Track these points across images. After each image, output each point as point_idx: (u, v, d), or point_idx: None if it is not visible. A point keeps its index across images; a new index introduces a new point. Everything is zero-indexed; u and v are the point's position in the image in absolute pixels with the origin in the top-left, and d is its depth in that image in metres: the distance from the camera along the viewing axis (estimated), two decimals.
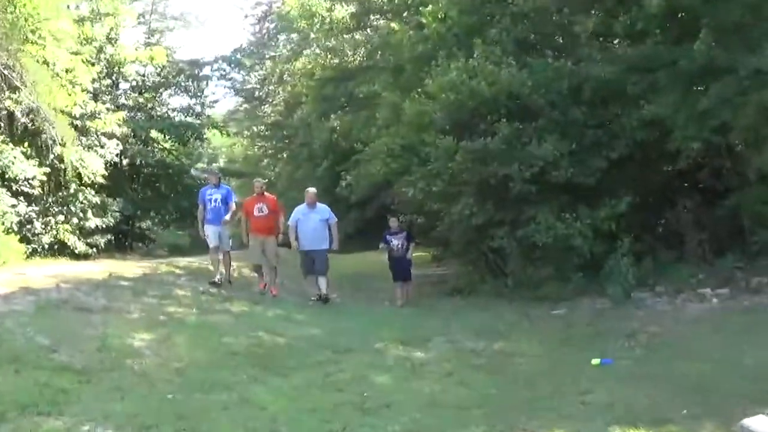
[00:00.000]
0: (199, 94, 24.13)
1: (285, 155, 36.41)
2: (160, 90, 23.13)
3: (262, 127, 37.23)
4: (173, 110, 23.26)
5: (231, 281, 11.30)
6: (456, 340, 8.53)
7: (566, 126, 11.39)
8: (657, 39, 10.83)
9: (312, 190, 11.29)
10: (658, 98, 10.65)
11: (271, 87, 37.30)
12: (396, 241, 11.81)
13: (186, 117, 23.14)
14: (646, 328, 8.47)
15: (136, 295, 9.59)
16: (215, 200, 11.05)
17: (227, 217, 10.98)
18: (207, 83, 24.96)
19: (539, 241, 10.72)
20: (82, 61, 16.59)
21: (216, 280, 10.87)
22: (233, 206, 11.20)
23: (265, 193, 11.36)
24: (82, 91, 16.66)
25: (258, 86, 37.07)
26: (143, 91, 22.16)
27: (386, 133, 13.22)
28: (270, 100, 37.56)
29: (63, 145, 15.58)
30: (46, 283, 9.50)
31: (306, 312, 10.07)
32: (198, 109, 23.88)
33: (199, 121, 23.17)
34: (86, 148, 17.48)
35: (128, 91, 21.68)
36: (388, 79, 15.60)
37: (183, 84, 23.61)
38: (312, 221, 10.94)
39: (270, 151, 37.67)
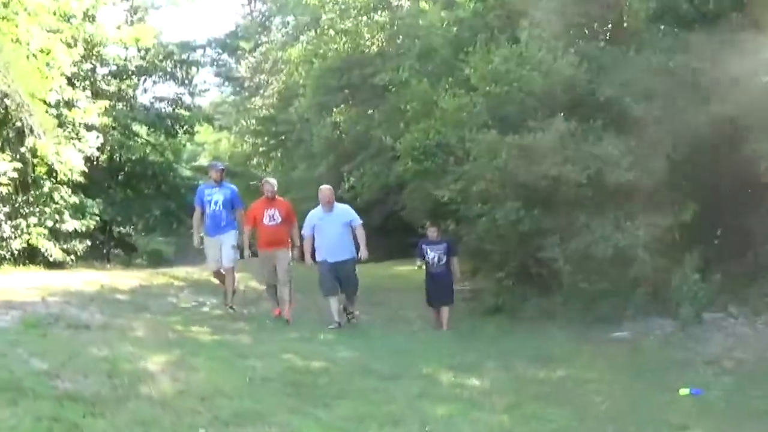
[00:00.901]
0: (188, 81, 23.82)
1: (278, 153, 36.17)
2: (144, 76, 22.81)
3: (253, 121, 36.95)
4: (159, 100, 22.97)
5: (233, 307, 10.35)
6: (510, 366, 8.30)
7: (624, 122, 11.16)
8: (733, 22, 10.61)
9: (327, 187, 10.47)
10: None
11: (263, 76, 37.14)
12: (432, 253, 10.78)
13: (174, 108, 22.75)
14: (730, 354, 8.26)
15: (136, 311, 9.51)
16: (216, 203, 10.06)
17: (246, 232, 10.37)
18: (198, 69, 24.63)
19: (598, 254, 10.46)
20: (61, 41, 16.29)
21: (228, 306, 10.38)
22: (241, 212, 10.40)
23: (277, 197, 10.46)
24: (61, 75, 16.34)
25: (248, 75, 36.81)
26: (125, 77, 21.85)
27: (417, 128, 12.97)
28: (262, 91, 37.35)
29: (39, 137, 15.26)
30: (28, 296, 9.36)
31: (331, 332, 9.83)
32: (187, 99, 23.57)
33: (189, 113, 22.79)
34: (63, 141, 17.09)
35: (108, 77, 21.31)
36: (415, 65, 15.32)
37: (170, 70, 23.27)
38: (332, 226, 10.14)
39: (261, 149, 37.29)
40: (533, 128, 11.11)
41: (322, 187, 10.54)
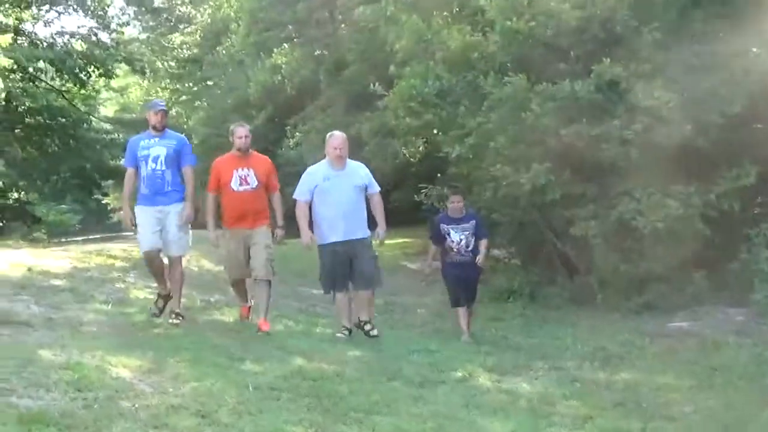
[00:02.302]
0: (101, 11, 22.79)
1: (204, 102, 35.37)
2: (46, 4, 21.75)
3: (172, 64, 36.02)
4: (66, 34, 21.91)
5: (181, 314, 8.57)
6: (561, 366, 8.11)
7: (673, 68, 10.91)
8: None
9: (341, 135, 8.65)
10: None
11: (183, 8, 36.16)
12: (458, 235, 9.24)
13: (87, 45, 21.81)
14: None
15: (81, 300, 9.20)
16: (156, 159, 8.29)
17: (186, 208, 8.37)
18: None
19: (644, 226, 10.23)
20: None
21: (155, 310, 8.64)
22: (190, 174, 8.47)
23: (253, 151, 8.72)
24: None
25: (165, 5, 35.69)
26: (23, 3, 20.74)
27: (411, 73, 12.51)
28: (183, 27, 36.38)
29: None
30: None
31: (327, 325, 9.47)
32: (103, 35, 22.59)
33: (105, 51, 21.84)
34: None
35: (5, 6, 20.18)
36: None
37: None
38: (343, 190, 8.41)
39: (182, 97, 36.49)
40: (564, 73, 10.80)
41: (333, 133, 8.67)
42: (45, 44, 21.16)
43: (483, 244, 9.35)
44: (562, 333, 9.68)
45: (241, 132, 8.54)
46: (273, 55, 28.66)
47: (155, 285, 9.29)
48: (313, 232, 8.48)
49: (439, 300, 12.37)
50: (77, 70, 21.12)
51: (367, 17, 16.98)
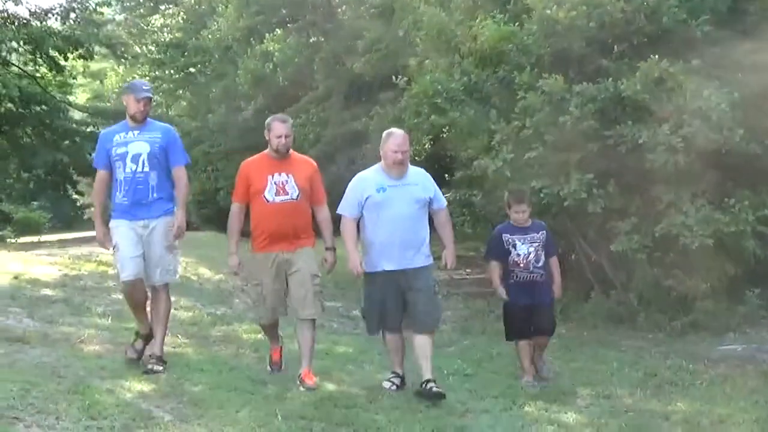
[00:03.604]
0: None
1: (187, 92, 35.25)
2: None
3: (152, 48, 35.82)
4: (41, 13, 21.64)
5: (164, 359, 7.35)
6: (611, 393, 8.02)
7: (723, 67, 10.85)
8: None
9: (401, 134, 7.44)
10: None
11: None
12: (525, 248, 7.93)
13: (64, 24, 21.61)
14: None
15: (77, 313, 9.30)
16: (136, 159, 7.15)
17: (178, 221, 7.27)
18: None
19: (692, 242, 10.15)
20: None
21: (132, 353, 7.45)
22: (183, 176, 7.43)
23: (294, 153, 7.55)
24: None
25: None
26: None
27: (435, 67, 12.42)
28: (163, 8, 36.24)
29: None
30: None
31: (350, 344, 9.43)
32: (79, 13, 22.33)
33: (86, 32, 21.64)
34: None
35: None
36: None
37: None
38: (402, 205, 7.26)
39: (164, 85, 36.25)
40: (607, 70, 10.73)
41: (391, 131, 7.47)
42: (18, 23, 20.85)
43: (555, 264, 8.18)
44: (605, 356, 9.60)
45: (280, 129, 7.25)
46: (264, 41, 28.46)
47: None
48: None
49: (461, 315, 12.37)
50: (56, 52, 20.89)
51: (377, 3, 16.60)
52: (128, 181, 7.12)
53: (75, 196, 29.39)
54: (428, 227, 7.44)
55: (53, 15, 22.24)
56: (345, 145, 23.92)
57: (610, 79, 10.50)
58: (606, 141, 10.52)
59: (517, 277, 7.93)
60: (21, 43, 20.73)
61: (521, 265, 7.89)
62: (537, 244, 7.93)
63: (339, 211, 7.45)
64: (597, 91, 10.50)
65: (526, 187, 8.77)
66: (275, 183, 7.24)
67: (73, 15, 22.53)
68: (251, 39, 30.19)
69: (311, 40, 29.36)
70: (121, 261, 7.07)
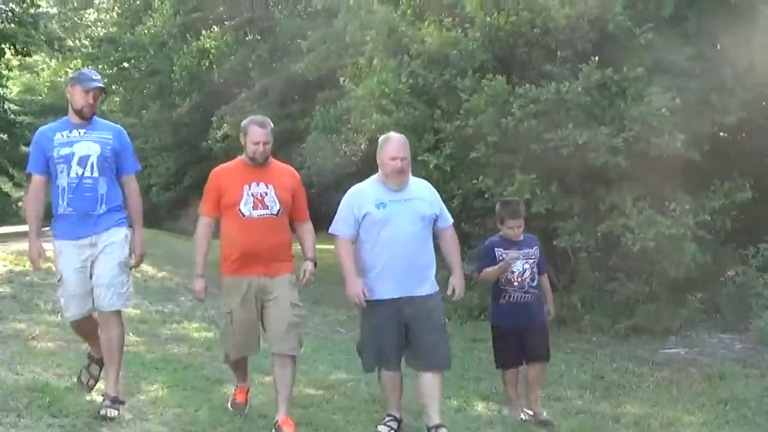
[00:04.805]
0: None
1: (121, 87, 34.88)
2: None
3: (86, 42, 35.42)
4: None
5: (121, 400, 6.08)
6: (560, 395, 8.23)
7: (665, 73, 11.13)
8: None
9: (398, 137, 6.41)
10: None
11: None
12: (520, 264, 7.00)
13: (3, 21, 21.33)
14: None
15: (27, 310, 9.22)
16: (83, 162, 6.00)
17: (138, 241, 6.26)
18: None
19: (634, 244, 10.40)
20: None
21: (87, 378, 6.53)
22: (136, 186, 6.38)
23: (273, 160, 6.39)
24: None
25: None
26: None
27: (384, 68, 12.53)
28: (98, 2, 35.84)
29: None
30: None
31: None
32: (17, 10, 22.03)
33: (25, 29, 21.36)
34: None
35: None
36: None
37: None
38: (404, 222, 6.24)
39: (104, 86, 35.78)
40: (550, 75, 10.94)
41: (388, 136, 6.45)
42: None
43: (546, 282, 7.36)
44: (552, 358, 9.72)
45: (258, 135, 6.13)
46: (201, 38, 28.34)
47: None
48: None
49: None
50: None
51: (326, 2, 16.54)
52: (73, 188, 5.98)
53: (8, 190, 29.11)
54: (433, 248, 6.40)
55: None
56: (283, 144, 23.87)
57: (553, 82, 10.70)
58: (548, 143, 10.66)
59: (510, 297, 7.00)
60: None
61: (515, 283, 6.96)
62: (532, 260, 7.04)
63: (332, 230, 6.38)
64: (539, 93, 10.70)
65: (519, 199, 7.79)
66: (252, 195, 6.14)
67: (8, 8, 22.18)
68: (187, 35, 30.10)
69: (248, 38, 29.27)
70: (65, 297, 6.05)
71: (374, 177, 6.40)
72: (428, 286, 6.26)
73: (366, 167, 18.89)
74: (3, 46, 21.10)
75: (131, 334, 8.71)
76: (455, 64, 11.64)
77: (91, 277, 5.93)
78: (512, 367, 7.18)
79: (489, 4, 11.31)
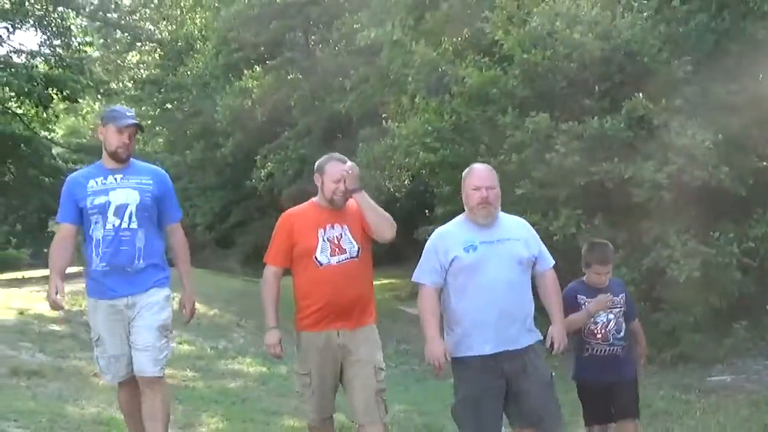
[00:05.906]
0: (63, 29, 22.88)
1: (164, 129, 35.41)
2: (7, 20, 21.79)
3: (129, 85, 36.03)
4: (24, 53, 21.87)
5: None
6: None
7: (706, 106, 11.28)
8: None
9: (484, 168, 5.53)
10: None
11: (142, 23, 36.19)
12: (605, 315, 6.05)
13: (51, 66, 21.79)
14: None
15: (86, 348, 9.14)
16: (123, 211, 5.30)
17: (188, 299, 5.62)
18: (77, 13, 23.64)
19: (680, 274, 10.52)
20: None
21: None
22: (183, 237, 5.76)
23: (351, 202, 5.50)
24: None
25: (122, 21, 35.74)
26: None
27: (426, 107, 12.82)
28: (140, 45, 36.40)
29: None
30: None
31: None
32: (64, 54, 22.52)
33: (72, 75, 21.78)
34: None
35: None
36: (408, 20, 15.02)
37: (39, 12, 22.19)
38: (498, 266, 5.27)
39: (141, 122, 36.29)
40: (591, 109, 11.13)
41: (472, 168, 5.54)
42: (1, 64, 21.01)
43: (638, 329, 6.46)
44: None
45: (336, 172, 5.32)
46: (243, 77, 28.77)
47: None
48: (443, 337, 5.33)
49: None
50: (37, 94, 21.04)
51: (368, 41, 16.48)
52: (109, 241, 5.26)
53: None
54: (532, 294, 5.43)
55: (36, 56, 22.45)
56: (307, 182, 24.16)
57: (595, 117, 10.89)
58: (592, 177, 10.84)
59: (593, 350, 6.10)
60: (6, 87, 20.70)
61: (599, 336, 6.07)
62: (618, 309, 6.08)
63: (415, 278, 5.45)
64: (582, 129, 10.87)
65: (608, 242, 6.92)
66: (327, 239, 5.32)
67: (55, 52, 22.68)
68: (230, 75, 30.51)
69: (289, 77, 29.67)
70: (105, 358, 5.39)
71: (461, 216, 5.56)
72: (528, 336, 5.27)
73: (409, 203, 19.27)
74: (50, 91, 21.34)
75: (188, 370, 9.00)
76: (496, 101, 11.87)
77: (128, 339, 5.29)
78: (601, 423, 6.28)
79: (526, 41, 11.49)
